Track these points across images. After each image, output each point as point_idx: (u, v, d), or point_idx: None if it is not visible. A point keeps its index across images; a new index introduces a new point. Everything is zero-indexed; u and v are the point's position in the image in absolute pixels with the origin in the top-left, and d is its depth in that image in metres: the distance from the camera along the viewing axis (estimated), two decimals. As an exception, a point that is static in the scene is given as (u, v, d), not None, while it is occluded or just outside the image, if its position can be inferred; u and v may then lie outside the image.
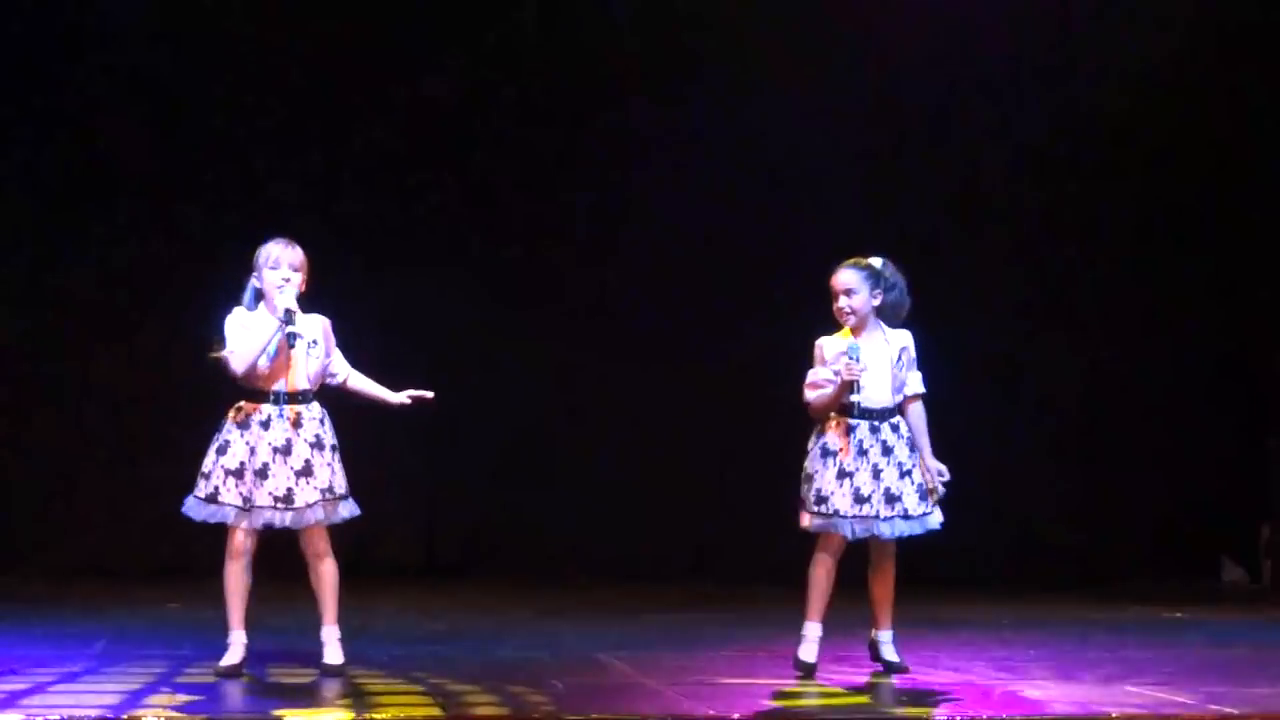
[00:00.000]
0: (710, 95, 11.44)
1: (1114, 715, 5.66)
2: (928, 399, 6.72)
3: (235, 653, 6.39)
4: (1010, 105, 11.62)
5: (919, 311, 6.88)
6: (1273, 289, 11.65)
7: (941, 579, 9.49)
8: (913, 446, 6.60)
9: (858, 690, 6.35)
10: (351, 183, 11.09)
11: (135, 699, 5.70)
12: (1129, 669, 6.96)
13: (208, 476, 6.40)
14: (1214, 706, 5.86)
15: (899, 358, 6.62)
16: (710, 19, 11.44)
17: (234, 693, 6.03)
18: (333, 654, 6.43)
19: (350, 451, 6.56)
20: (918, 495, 6.55)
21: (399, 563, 10.90)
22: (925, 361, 6.80)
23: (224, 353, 6.37)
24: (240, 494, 6.34)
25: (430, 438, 11.18)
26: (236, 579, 6.41)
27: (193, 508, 6.43)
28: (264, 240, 6.55)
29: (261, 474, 6.32)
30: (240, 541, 6.39)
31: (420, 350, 10.50)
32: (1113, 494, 11.66)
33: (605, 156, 11.44)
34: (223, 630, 6.45)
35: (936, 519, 6.59)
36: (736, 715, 5.61)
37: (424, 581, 10.79)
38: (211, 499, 6.38)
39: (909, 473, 6.55)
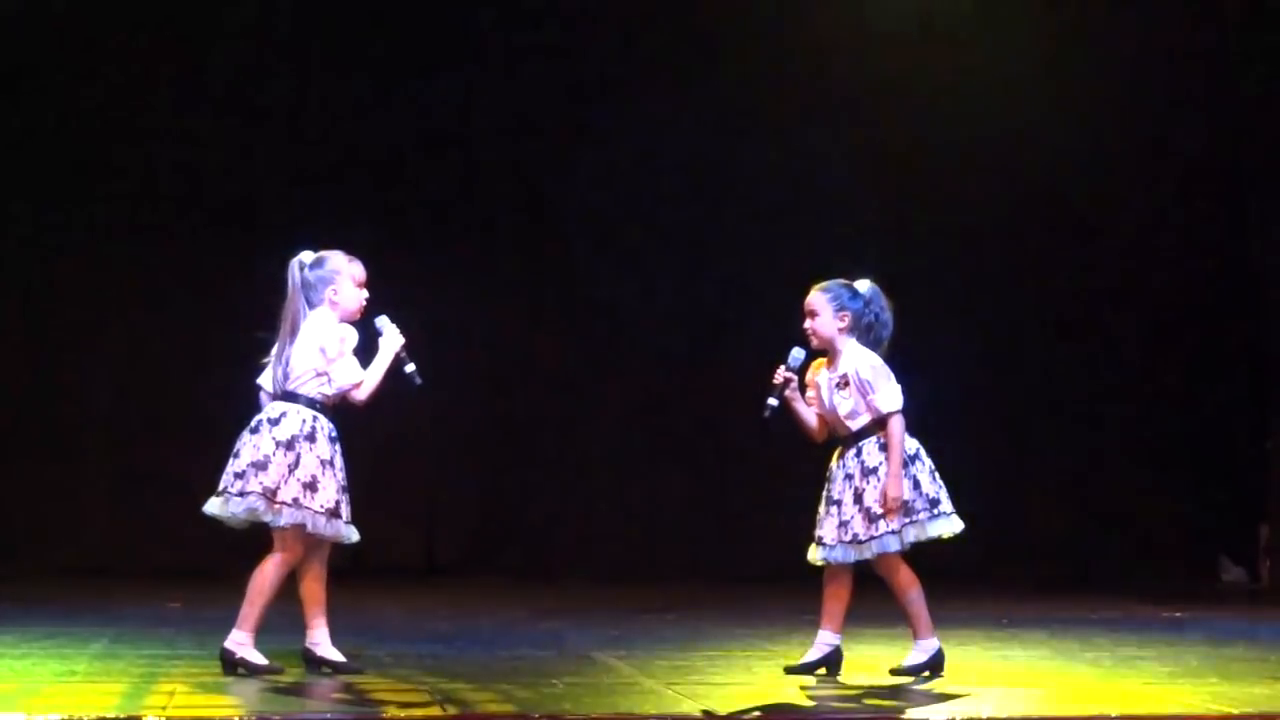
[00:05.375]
0: (716, 103, 11.46)
1: (1114, 715, 5.66)
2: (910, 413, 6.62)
3: (260, 657, 6.38)
4: (1010, 107, 11.62)
5: (922, 314, 6.86)
6: (1275, 290, 11.65)
7: (941, 579, 9.48)
8: (866, 470, 6.49)
9: (857, 691, 6.35)
10: (349, 182, 11.11)
11: (135, 699, 5.71)
12: (1129, 669, 6.97)
13: (319, 488, 6.29)
14: (1213, 706, 5.86)
15: (841, 383, 6.50)
16: (714, 23, 11.45)
17: (240, 692, 6.02)
18: (336, 652, 6.45)
19: (351, 452, 6.56)
20: (865, 519, 6.45)
21: (399, 563, 10.90)
22: (925, 365, 6.76)
23: (353, 383, 6.35)
24: (349, 509, 6.38)
25: (431, 439, 11.19)
26: (280, 588, 6.39)
27: (319, 524, 6.30)
28: (308, 240, 6.56)
29: (346, 489, 6.40)
30: (302, 552, 6.38)
31: (420, 352, 10.47)
32: (1112, 494, 11.67)
33: (609, 161, 11.43)
34: (222, 631, 6.44)
35: (889, 542, 6.42)
36: (736, 715, 5.61)
37: (424, 581, 10.79)
38: (335, 514, 6.31)
39: (860, 497, 6.50)
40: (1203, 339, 11.89)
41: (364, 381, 6.39)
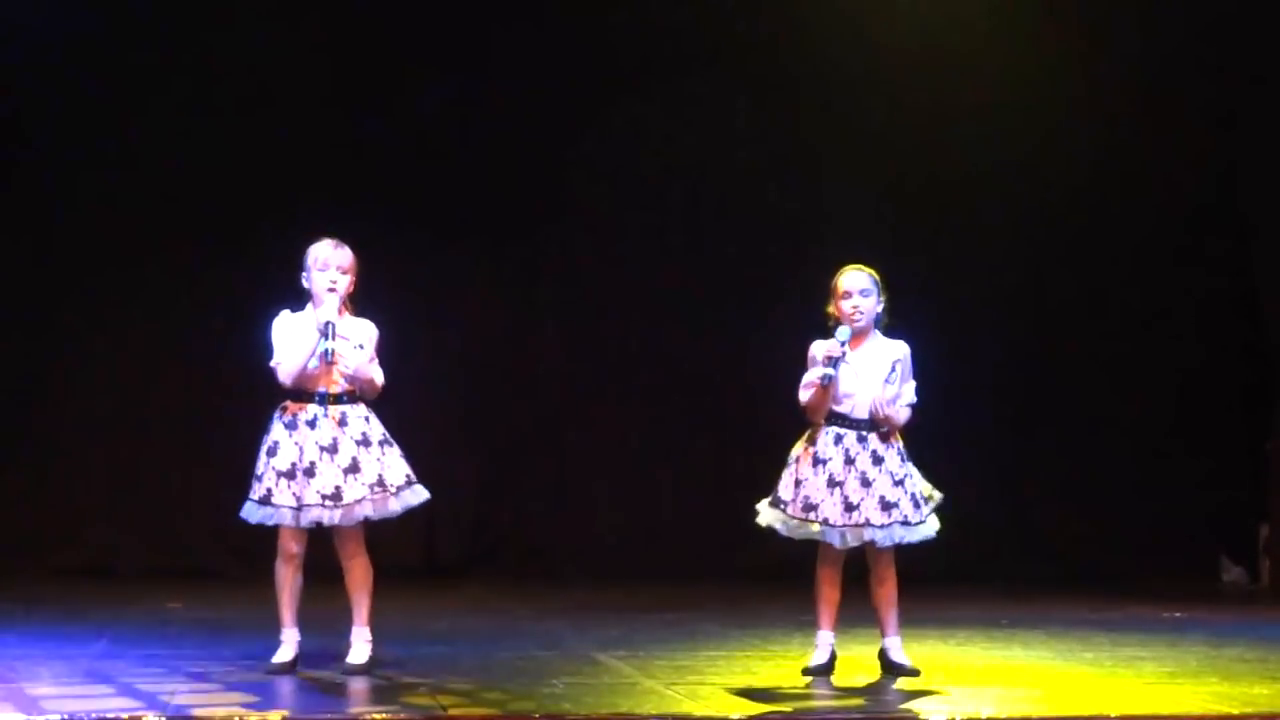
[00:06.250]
0: (713, 99, 11.45)
1: (1114, 715, 5.67)
2: (919, 409, 6.66)
3: (287, 650, 6.43)
4: (1008, 106, 11.61)
5: (926, 315, 6.88)
6: (1276, 290, 11.65)
7: (941, 579, 9.49)
8: (904, 456, 6.58)
9: (857, 691, 6.35)
10: (350, 182, 11.09)
11: (136, 699, 5.71)
12: (1129, 669, 6.97)
13: (260, 479, 6.39)
14: (1214, 706, 5.86)
15: (892, 369, 6.57)
16: (710, 22, 11.45)
17: (239, 692, 6.02)
18: (357, 653, 6.47)
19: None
20: (912, 504, 6.53)
21: (399, 563, 10.89)
22: (929, 363, 6.78)
23: (271, 363, 6.38)
24: (293, 494, 6.35)
25: (431, 439, 11.17)
26: (288, 579, 6.42)
27: (250, 511, 6.41)
28: (308, 240, 6.55)
29: (309, 473, 6.34)
30: (292, 543, 6.39)
31: (421, 354, 10.52)
32: (1112, 494, 11.66)
33: (610, 161, 11.44)
34: (222, 631, 6.45)
35: (932, 527, 6.56)
36: (736, 715, 5.61)
37: (424, 581, 10.79)
38: (265, 501, 6.37)
39: (902, 481, 6.53)
40: (1203, 339, 11.88)
41: (281, 361, 6.39)
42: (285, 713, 5.54)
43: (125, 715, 5.34)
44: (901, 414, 6.55)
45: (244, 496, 6.44)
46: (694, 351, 11.44)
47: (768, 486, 6.71)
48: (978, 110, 11.51)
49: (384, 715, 5.52)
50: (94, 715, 5.32)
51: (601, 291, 11.52)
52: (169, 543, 10.81)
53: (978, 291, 11.53)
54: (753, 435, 10.99)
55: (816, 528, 6.51)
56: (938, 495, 6.61)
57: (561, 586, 10.50)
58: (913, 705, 6.01)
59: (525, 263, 11.50)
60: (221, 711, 5.61)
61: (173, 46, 11.02)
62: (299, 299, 6.55)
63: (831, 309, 6.61)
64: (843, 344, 6.48)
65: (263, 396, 6.66)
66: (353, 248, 6.57)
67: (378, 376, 6.49)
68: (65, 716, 5.27)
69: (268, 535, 6.46)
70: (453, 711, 5.59)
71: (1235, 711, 5.74)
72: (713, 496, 11.40)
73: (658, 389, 11.50)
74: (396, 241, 10.85)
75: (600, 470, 11.47)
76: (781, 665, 6.87)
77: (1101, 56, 11.62)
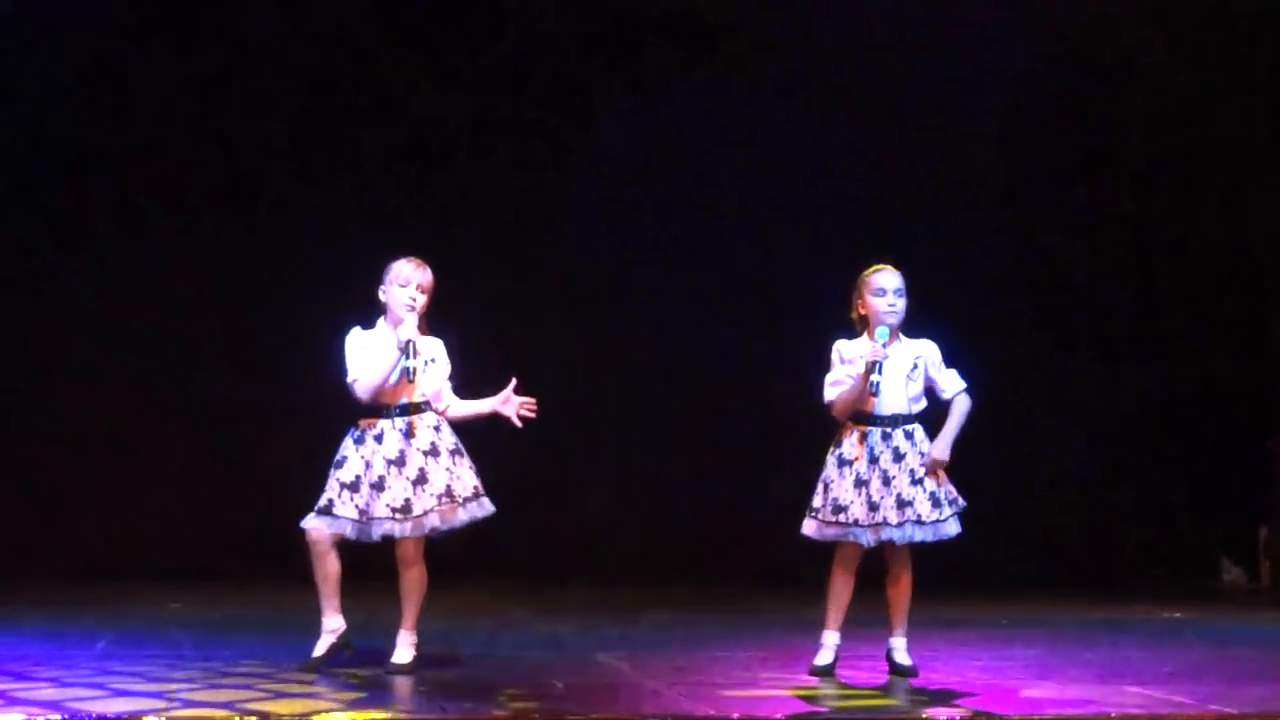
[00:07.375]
0: (727, 99, 11.46)
1: (1113, 715, 5.66)
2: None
3: (328, 640, 6.47)
4: (1024, 116, 11.62)
5: (926, 313, 6.89)
6: (1277, 290, 11.67)
7: (941, 579, 9.48)
8: (922, 454, 6.58)
9: (857, 691, 6.35)
10: (351, 184, 11.10)
11: (136, 699, 5.71)
12: (1129, 669, 6.97)
13: (325, 490, 6.43)
14: (1213, 706, 5.86)
15: (914, 366, 6.60)
16: (710, 22, 11.46)
17: (239, 691, 6.03)
18: (401, 655, 6.50)
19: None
20: (930, 502, 6.54)
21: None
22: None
23: (349, 380, 6.41)
24: (356, 506, 6.38)
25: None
26: (328, 566, 6.40)
27: (308, 520, 6.42)
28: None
29: (379, 486, 6.39)
30: (321, 535, 6.38)
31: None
32: (1113, 494, 11.67)
33: (612, 161, 11.44)
34: (222, 631, 6.45)
35: (952, 527, 6.57)
36: (736, 715, 5.61)
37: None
38: (326, 511, 6.38)
39: (921, 480, 6.54)
40: (1203, 339, 11.88)
41: (358, 377, 6.41)
42: (290, 713, 5.54)
43: (125, 715, 5.34)
44: (947, 452, 6.56)
45: (244, 497, 6.46)
46: (696, 352, 11.45)
47: (769, 487, 6.72)
48: (978, 109, 11.52)
49: (384, 715, 5.52)
50: (94, 715, 5.32)
51: (603, 291, 11.52)
52: (169, 543, 10.80)
53: (978, 290, 11.54)
54: (755, 436, 11.01)
55: (841, 529, 6.52)
56: (961, 501, 6.61)
57: (561, 586, 10.50)
58: (913, 705, 6.01)
59: (526, 261, 11.50)
60: (221, 712, 5.62)
61: (174, 46, 11.03)
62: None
63: (860, 308, 6.61)
64: (884, 346, 6.50)
65: (263, 397, 6.66)
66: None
67: (454, 398, 6.75)
68: (65, 716, 5.27)
69: (268, 536, 6.45)
70: (452, 712, 5.59)
71: (1235, 711, 5.74)
72: (714, 497, 11.42)
73: (659, 389, 11.50)
74: (397, 244, 10.84)
75: (601, 470, 11.47)
76: (782, 666, 6.86)
77: (1105, 59, 11.64)
